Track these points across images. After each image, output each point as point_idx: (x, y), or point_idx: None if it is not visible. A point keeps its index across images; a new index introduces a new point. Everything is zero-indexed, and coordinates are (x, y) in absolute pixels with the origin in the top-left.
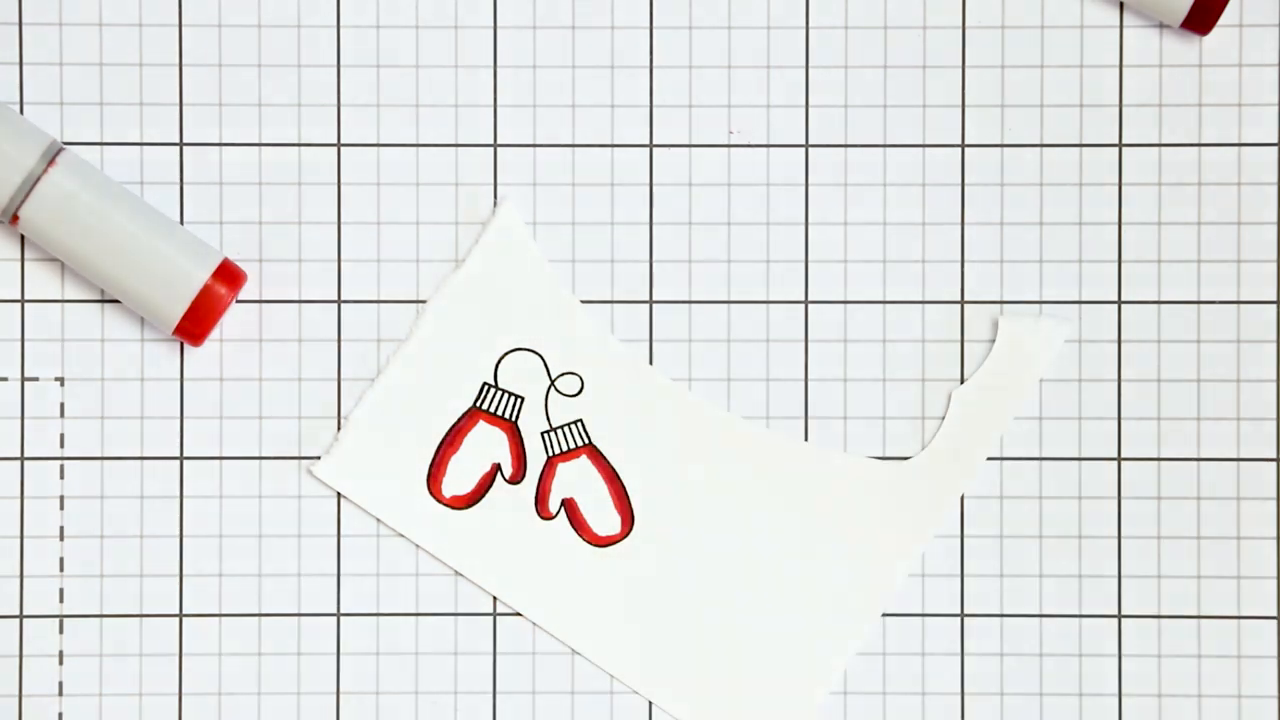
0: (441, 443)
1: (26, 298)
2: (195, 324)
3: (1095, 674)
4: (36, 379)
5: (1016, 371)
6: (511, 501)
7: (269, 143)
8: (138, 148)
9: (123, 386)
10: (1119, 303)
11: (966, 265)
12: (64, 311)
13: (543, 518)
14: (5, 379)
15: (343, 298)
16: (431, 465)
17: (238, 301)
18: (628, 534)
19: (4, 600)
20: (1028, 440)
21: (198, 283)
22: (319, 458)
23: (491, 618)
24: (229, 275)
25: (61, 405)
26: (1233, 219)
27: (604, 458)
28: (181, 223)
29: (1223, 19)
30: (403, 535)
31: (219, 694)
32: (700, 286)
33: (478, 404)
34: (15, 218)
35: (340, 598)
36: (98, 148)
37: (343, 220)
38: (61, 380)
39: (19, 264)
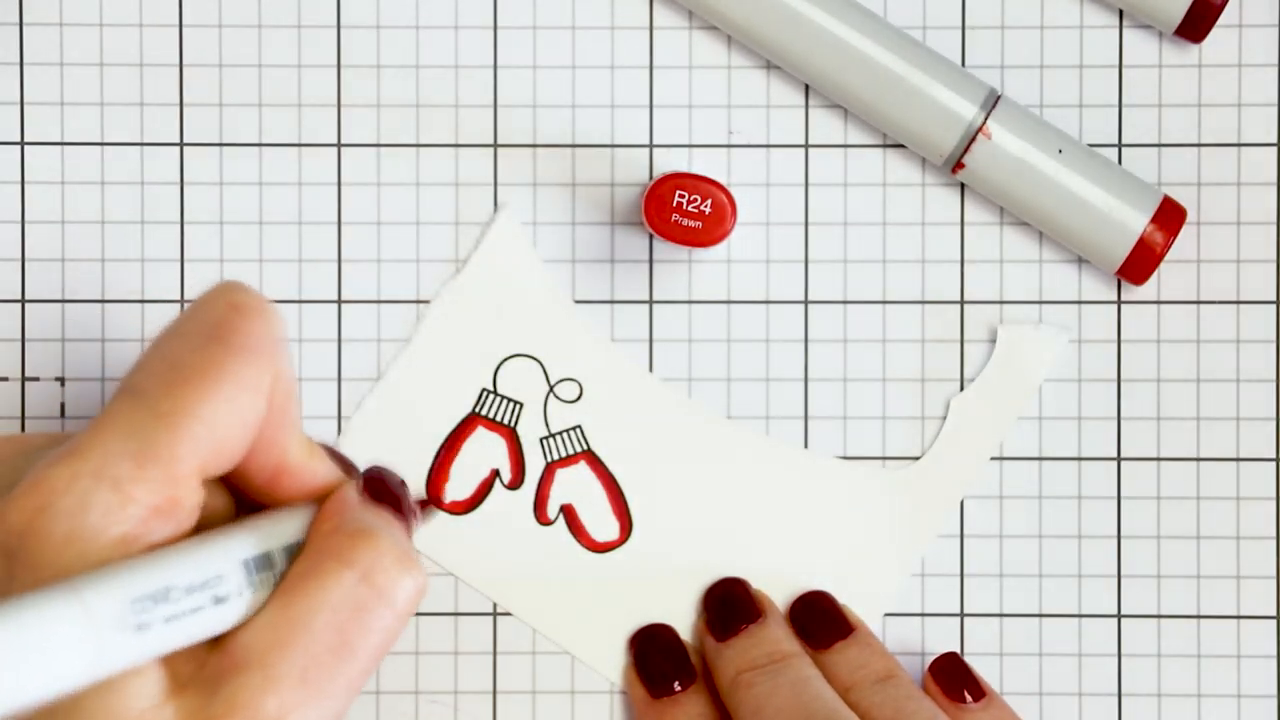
0: (441, 448)
1: (26, 298)
2: (1137, 267)
3: (1095, 674)
4: (37, 379)
5: (1015, 379)
6: (510, 507)
7: (269, 143)
8: (138, 148)
9: None
10: (1119, 303)
11: (966, 265)
12: (64, 311)
13: (541, 523)
14: (5, 379)
15: (343, 298)
16: (431, 471)
17: None
18: (626, 540)
19: None
20: (1028, 440)
21: (1139, 226)
22: None
23: (491, 618)
24: (1168, 216)
25: (62, 405)
26: (1233, 219)
27: (602, 464)
28: (181, 223)
29: (1222, 20)
30: None
31: None
32: (700, 286)
33: (477, 410)
34: (959, 165)
35: None
36: (98, 148)
37: (343, 220)
38: (62, 380)
39: (19, 264)
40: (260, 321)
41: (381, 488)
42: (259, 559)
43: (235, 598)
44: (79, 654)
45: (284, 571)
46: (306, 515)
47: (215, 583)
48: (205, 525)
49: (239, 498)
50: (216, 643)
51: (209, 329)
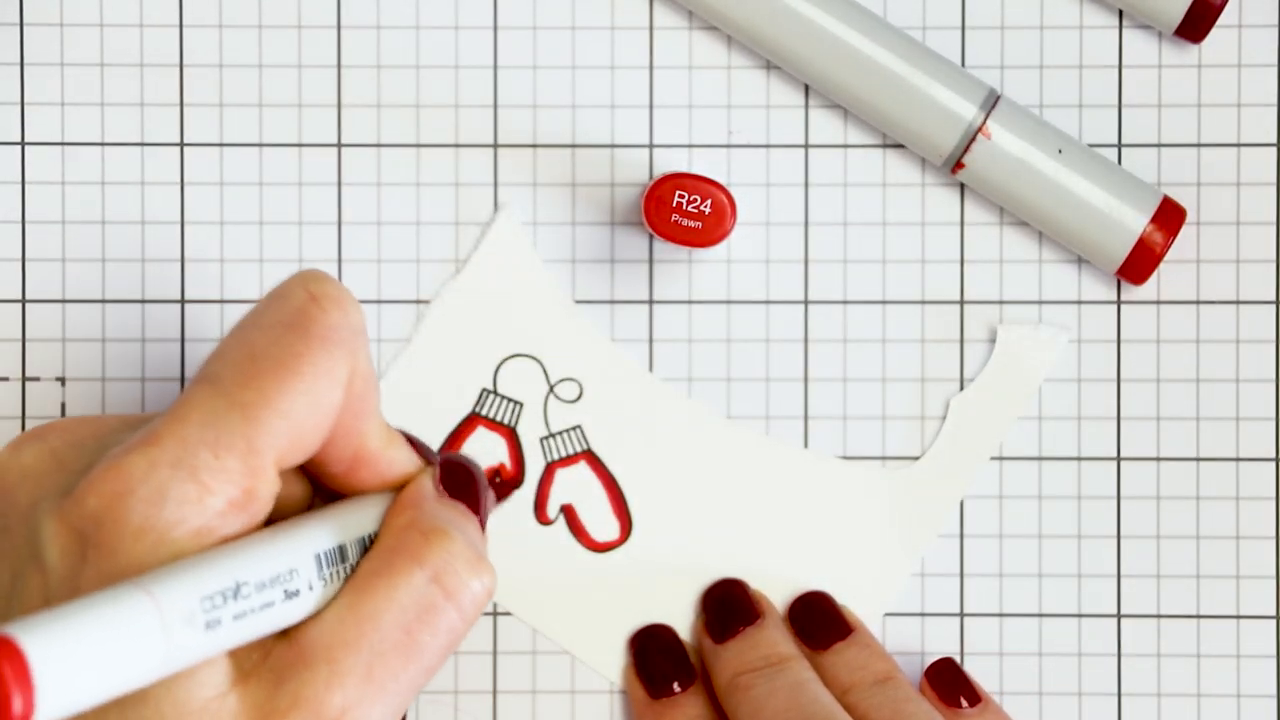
0: (441, 448)
1: (27, 298)
2: (1136, 267)
3: (1095, 673)
4: (37, 379)
5: (1014, 379)
6: (510, 507)
7: (269, 143)
8: (138, 148)
9: (123, 386)
10: (1119, 303)
11: (966, 265)
12: (64, 311)
13: (541, 523)
14: (5, 379)
15: None
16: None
17: (237, 302)
18: (626, 540)
19: None
20: (1028, 440)
21: (1138, 226)
22: None
23: (491, 618)
24: (1168, 216)
25: (62, 405)
26: (1232, 219)
27: (602, 464)
28: (181, 223)
29: (1221, 20)
30: None
31: None
32: (700, 286)
33: (477, 409)
34: (959, 165)
35: None
36: (98, 148)
37: (343, 220)
38: (62, 380)
39: (19, 264)
40: (339, 312)
41: (457, 479)
42: (331, 552)
43: (306, 592)
44: (150, 652)
45: (356, 564)
46: (382, 505)
47: (287, 578)
48: (281, 513)
49: (316, 485)
50: (284, 633)
51: (288, 319)
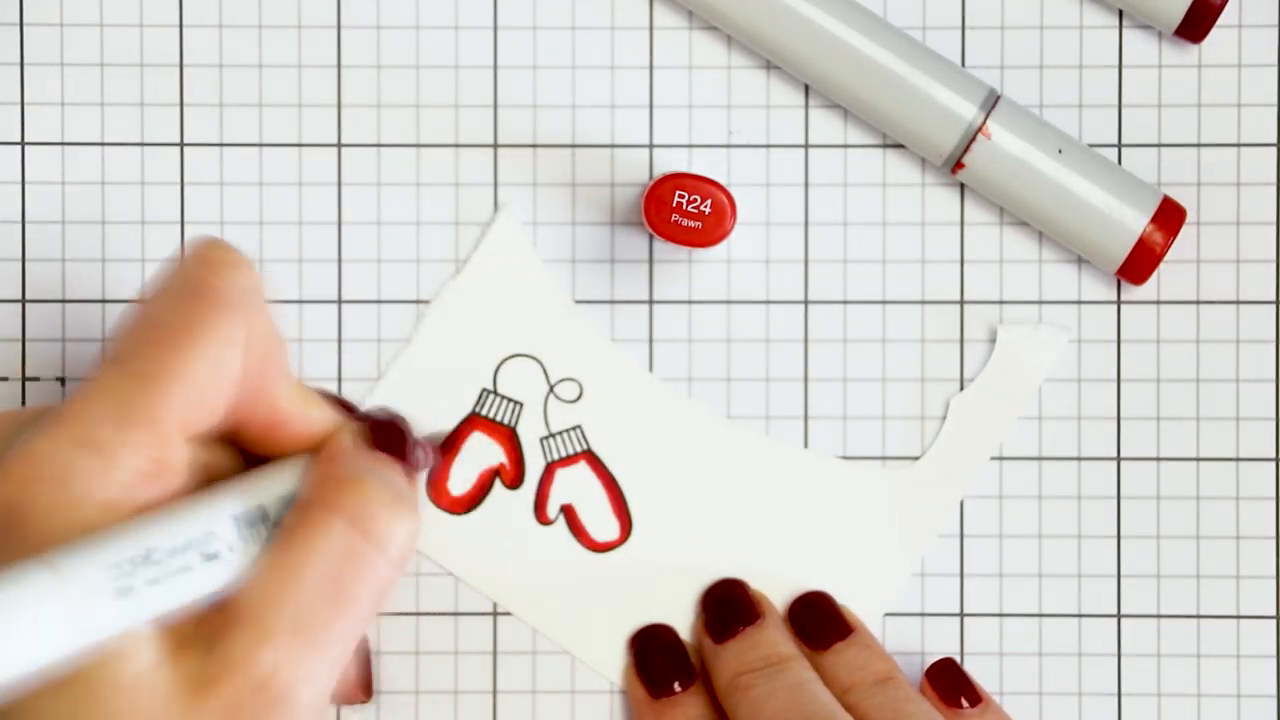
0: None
1: (27, 298)
2: (1136, 267)
3: (1095, 673)
4: (37, 379)
5: (1015, 379)
6: (510, 507)
7: (269, 143)
8: (138, 148)
9: None
10: (1119, 303)
11: (966, 265)
12: (64, 311)
13: (541, 523)
14: (5, 379)
15: (343, 298)
16: (431, 470)
17: None
18: (626, 540)
19: None
20: (1028, 440)
21: (1138, 226)
22: None
23: (491, 618)
24: (1168, 216)
25: None
26: (1232, 219)
27: (602, 464)
28: (181, 223)
29: (1221, 20)
30: None
31: None
32: (700, 286)
33: (477, 410)
34: (959, 165)
35: None
36: (98, 148)
37: (343, 220)
38: (62, 380)
39: (19, 264)
40: (231, 274)
41: (382, 434)
42: (251, 513)
43: (228, 554)
44: (58, 625)
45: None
46: (302, 465)
47: (205, 541)
48: (211, 483)
49: (244, 454)
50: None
51: (181, 287)
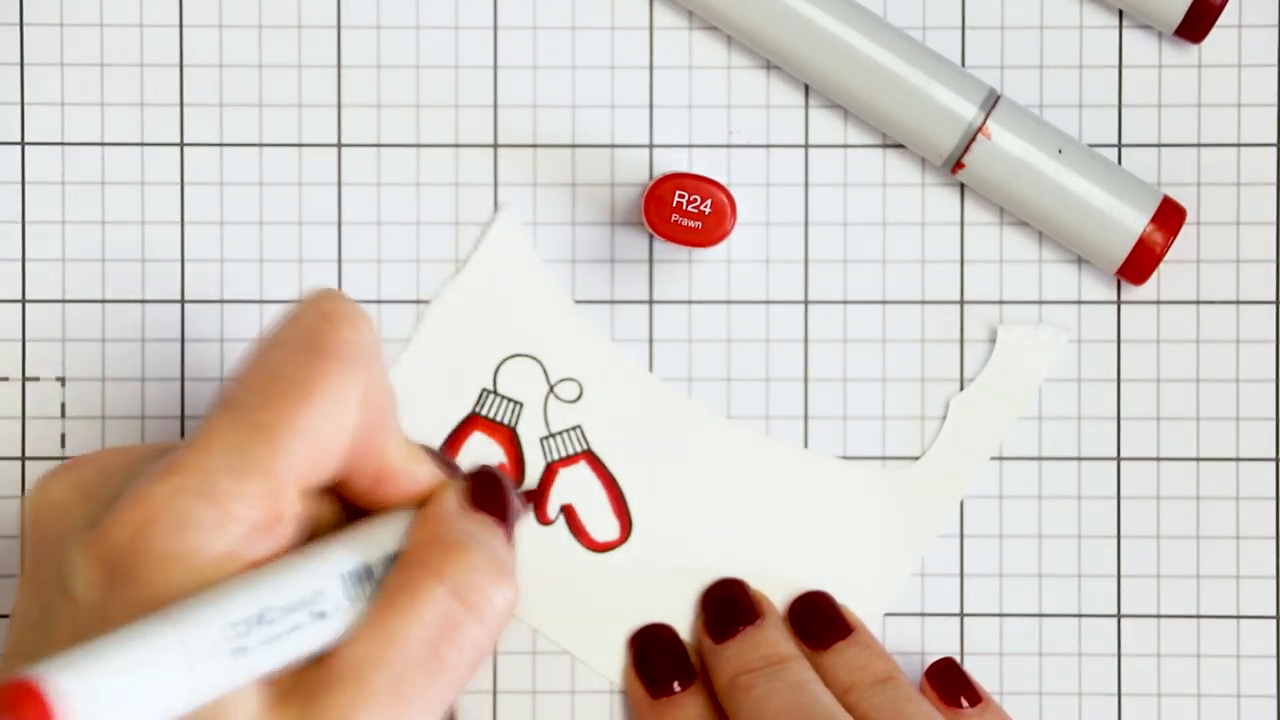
0: (441, 448)
1: (27, 298)
2: (1136, 267)
3: (1095, 674)
4: (37, 379)
5: (1015, 379)
6: None
7: (269, 143)
8: (138, 148)
9: (123, 386)
10: (1119, 303)
11: (966, 265)
12: (64, 311)
13: (541, 523)
14: (5, 379)
15: None
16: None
17: (237, 302)
18: (626, 540)
19: (5, 600)
20: (1028, 440)
21: (1138, 226)
22: None
23: None
24: (1168, 216)
25: (62, 405)
26: (1232, 219)
27: (602, 464)
28: (181, 223)
29: (1221, 20)
30: None
31: None
32: (700, 286)
33: (477, 409)
34: (959, 165)
35: None
36: (98, 148)
37: (343, 220)
38: (62, 380)
39: (19, 264)
40: (351, 329)
41: (485, 491)
42: (357, 571)
43: (335, 612)
44: (176, 684)
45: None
46: (406, 521)
47: (314, 600)
48: (313, 534)
49: (345, 505)
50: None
51: (302, 339)
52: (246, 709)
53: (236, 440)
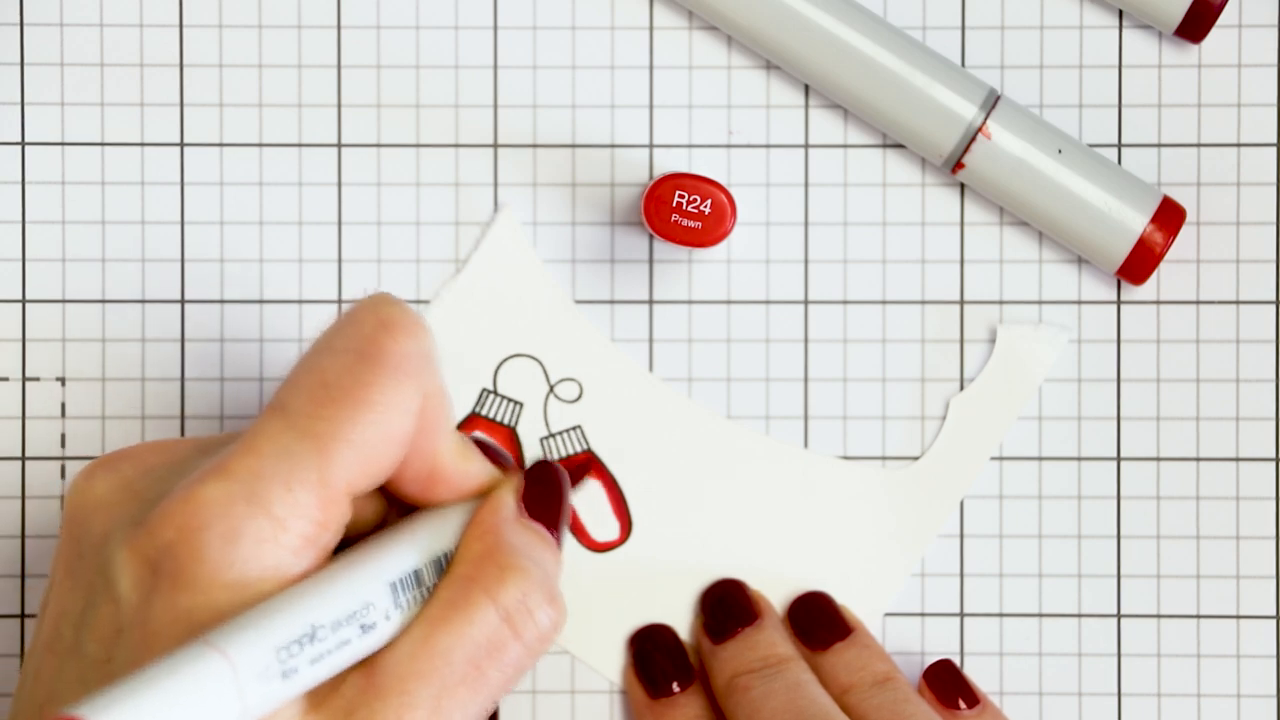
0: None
1: (27, 298)
2: (1136, 267)
3: (1095, 673)
4: (37, 379)
5: (1015, 379)
6: None
7: (269, 143)
8: (138, 148)
9: (123, 386)
10: (1119, 303)
11: (966, 265)
12: (64, 311)
13: None
14: (5, 379)
15: (343, 298)
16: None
17: (237, 302)
18: (626, 540)
19: (5, 600)
20: (1028, 440)
21: (1138, 226)
22: None
23: None
24: (1168, 216)
25: (62, 405)
26: (1232, 219)
27: (603, 464)
28: (181, 223)
29: (1221, 20)
30: None
31: None
32: (700, 286)
33: (477, 410)
34: (959, 166)
35: None
36: (98, 148)
37: (343, 220)
38: (62, 380)
39: (19, 264)
40: (410, 339)
41: (538, 494)
42: (407, 578)
43: (383, 623)
44: (227, 711)
45: (432, 587)
46: (458, 520)
47: (364, 611)
48: (355, 531)
49: (389, 498)
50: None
51: (359, 346)
52: (285, 715)
53: (288, 447)
